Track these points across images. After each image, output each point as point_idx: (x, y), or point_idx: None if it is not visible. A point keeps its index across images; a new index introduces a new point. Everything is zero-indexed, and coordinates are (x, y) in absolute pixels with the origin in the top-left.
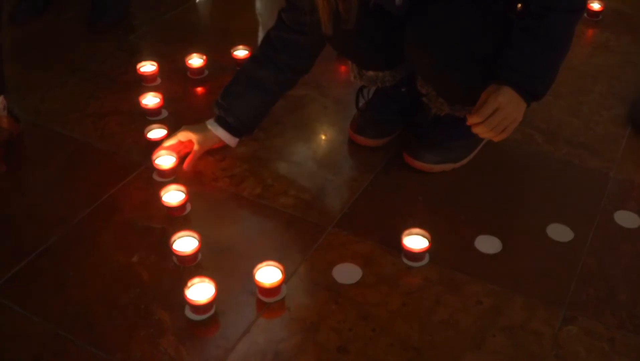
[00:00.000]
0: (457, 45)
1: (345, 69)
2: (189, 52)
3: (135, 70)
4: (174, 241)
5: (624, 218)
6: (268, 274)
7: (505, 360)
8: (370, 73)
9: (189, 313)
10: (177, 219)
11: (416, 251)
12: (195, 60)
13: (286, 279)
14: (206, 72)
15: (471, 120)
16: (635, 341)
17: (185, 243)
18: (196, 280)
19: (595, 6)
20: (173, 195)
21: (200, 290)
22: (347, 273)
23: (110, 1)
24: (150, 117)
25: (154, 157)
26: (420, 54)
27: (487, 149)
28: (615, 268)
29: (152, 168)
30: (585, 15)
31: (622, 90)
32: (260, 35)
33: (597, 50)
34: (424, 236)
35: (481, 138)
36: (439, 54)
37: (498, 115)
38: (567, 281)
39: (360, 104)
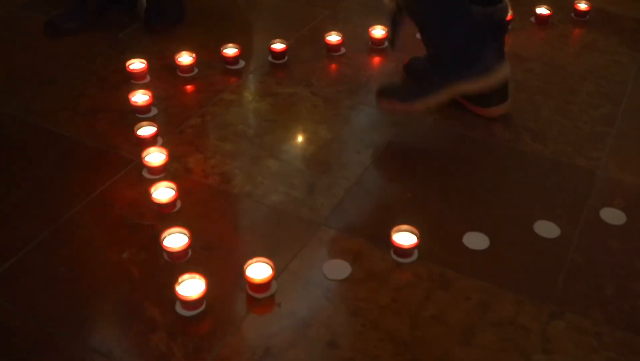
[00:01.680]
0: None
1: (335, 67)
2: (178, 50)
3: (124, 67)
4: (165, 237)
5: (610, 216)
6: (258, 270)
7: (494, 354)
8: None
9: (179, 309)
10: (167, 216)
11: (405, 247)
12: (185, 58)
13: (276, 275)
14: (196, 70)
15: None
16: (622, 336)
17: (175, 239)
18: (186, 276)
19: (582, 6)
20: (163, 192)
21: (191, 286)
22: (336, 269)
23: (167, 2)
24: (140, 114)
25: (144, 154)
26: None
27: (476, 146)
28: (602, 264)
29: (142, 165)
30: (572, 15)
31: (609, 89)
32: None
33: (584, 50)
34: (412, 232)
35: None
36: None
37: None
38: (555, 277)
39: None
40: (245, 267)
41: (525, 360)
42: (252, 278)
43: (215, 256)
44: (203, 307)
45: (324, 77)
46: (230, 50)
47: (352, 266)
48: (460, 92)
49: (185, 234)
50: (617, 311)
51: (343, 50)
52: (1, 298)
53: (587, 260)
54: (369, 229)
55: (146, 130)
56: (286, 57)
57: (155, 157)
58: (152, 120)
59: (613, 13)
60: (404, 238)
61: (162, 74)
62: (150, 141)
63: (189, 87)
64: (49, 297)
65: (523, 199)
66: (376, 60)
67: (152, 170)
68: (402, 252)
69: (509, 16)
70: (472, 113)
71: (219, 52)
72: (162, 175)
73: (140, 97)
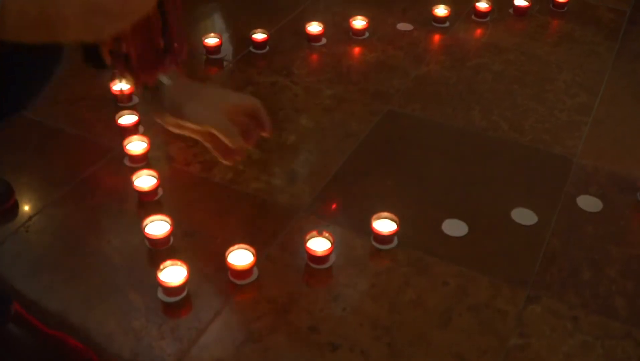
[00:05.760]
0: None
1: (316, 57)
2: None
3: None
4: (146, 225)
5: (587, 203)
6: (240, 257)
7: (471, 337)
8: None
9: (161, 296)
10: (148, 204)
11: (385, 234)
12: None
13: (258, 262)
14: None
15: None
16: (597, 320)
17: (157, 226)
18: (168, 262)
19: None
20: (145, 180)
21: (173, 273)
22: None
23: None
24: (121, 103)
25: (125, 142)
26: None
27: (454, 136)
28: (578, 250)
29: (123, 153)
30: (550, 6)
31: (586, 79)
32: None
33: (562, 40)
34: (392, 219)
35: None
36: None
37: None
38: (531, 263)
39: None
40: (226, 253)
41: (501, 343)
42: (233, 265)
43: (196, 243)
44: (185, 293)
45: (305, 66)
46: (212, 40)
47: (332, 252)
48: None
49: (167, 221)
50: (592, 295)
51: (324, 40)
52: None
53: (563, 246)
54: (349, 216)
55: (127, 119)
56: (267, 47)
57: (136, 145)
58: (133, 109)
59: (591, 4)
60: (384, 225)
61: None
62: (132, 129)
63: None
64: (30, 284)
65: (501, 187)
66: (357, 50)
67: (134, 158)
68: (382, 238)
69: (488, 7)
70: (451, 104)
71: (201, 41)
72: (143, 163)
73: (121, 86)
